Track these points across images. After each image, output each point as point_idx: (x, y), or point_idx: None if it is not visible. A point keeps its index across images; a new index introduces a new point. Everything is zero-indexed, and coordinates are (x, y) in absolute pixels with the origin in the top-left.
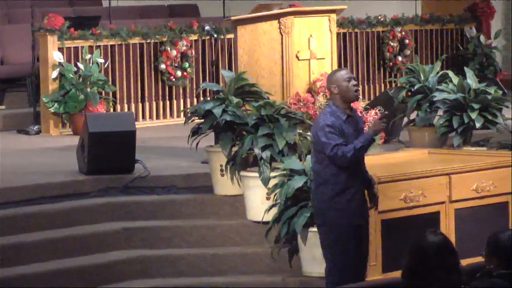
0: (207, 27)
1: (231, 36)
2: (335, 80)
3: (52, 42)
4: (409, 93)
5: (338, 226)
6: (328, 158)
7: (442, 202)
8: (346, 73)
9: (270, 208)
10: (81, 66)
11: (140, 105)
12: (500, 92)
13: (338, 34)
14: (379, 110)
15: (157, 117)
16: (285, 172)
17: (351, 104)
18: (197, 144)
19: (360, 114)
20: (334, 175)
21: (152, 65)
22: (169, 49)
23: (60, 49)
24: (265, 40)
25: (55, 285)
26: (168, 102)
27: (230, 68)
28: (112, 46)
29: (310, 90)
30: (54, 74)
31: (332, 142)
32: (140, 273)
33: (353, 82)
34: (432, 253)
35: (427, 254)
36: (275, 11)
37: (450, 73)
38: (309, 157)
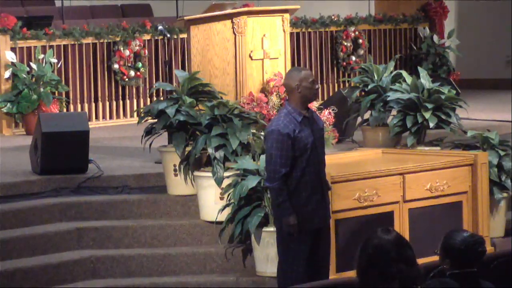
0: (160, 27)
1: (184, 36)
2: (300, 79)
3: (5, 42)
4: (363, 93)
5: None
6: (266, 174)
7: (396, 202)
8: (311, 74)
9: (224, 208)
10: (34, 66)
11: (93, 105)
12: (454, 91)
13: (291, 34)
14: (332, 110)
15: (111, 117)
16: (238, 172)
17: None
18: (150, 144)
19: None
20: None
21: (105, 65)
22: (122, 49)
23: (13, 49)
24: (218, 40)
25: (6, 286)
26: (121, 102)
27: (183, 68)
28: (65, 46)
29: (263, 90)
30: (7, 74)
31: (278, 169)
32: (91, 273)
33: (316, 84)
34: (384, 250)
35: (384, 250)
36: (228, 11)
37: (404, 73)
38: (262, 156)
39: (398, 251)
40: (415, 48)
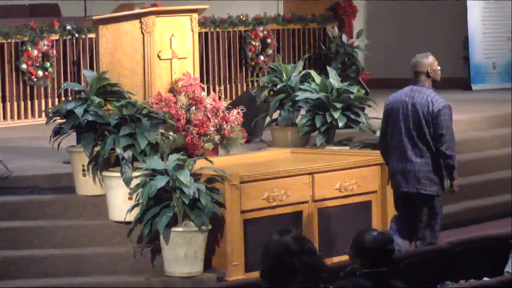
0: (68, 27)
1: (93, 35)
2: (429, 64)
3: None
4: (272, 93)
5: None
6: (440, 140)
7: (305, 202)
8: (434, 58)
9: (133, 208)
10: None
11: (1, 105)
12: (363, 91)
13: (200, 33)
14: (241, 110)
15: (19, 117)
16: (147, 172)
17: None
18: (59, 144)
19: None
20: None
21: (13, 65)
22: (30, 48)
23: None
24: (127, 40)
25: None
26: (29, 102)
27: (92, 68)
28: None
29: (172, 90)
30: None
31: (454, 139)
32: (3, 274)
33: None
34: (290, 244)
35: (286, 247)
36: (137, 10)
37: (313, 73)
38: (171, 156)
39: (299, 244)
40: (324, 47)
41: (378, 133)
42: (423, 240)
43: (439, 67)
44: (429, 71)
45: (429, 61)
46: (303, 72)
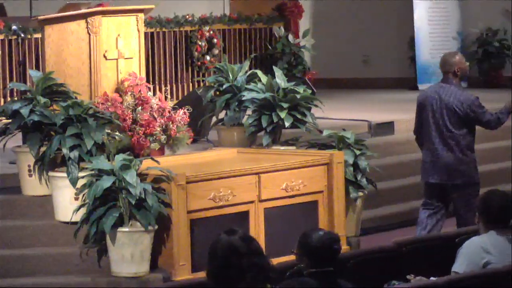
0: (14, 27)
1: (38, 35)
2: (456, 63)
3: None
4: (218, 93)
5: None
6: (485, 123)
7: (252, 202)
8: (462, 56)
9: (79, 208)
10: None
11: None
12: (309, 91)
13: (146, 33)
14: (187, 110)
15: None
16: (93, 172)
17: None
18: (5, 144)
19: None
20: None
21: None
22: None
23: None
24: (72, 40)
25: None
26: None
27: (37, 68)
28: None
29: (118, 90)
30: None
31: (486, 110)
32: None
33: (466, 62)
34: (227, 252)
35: (233, 248)
36: (83, 10)
37: (259, 73)
38: (117, 156)
39: (246, 244)
40: (270, 47)
41: (325, 133)
42: (464, 225)
43: (467, 64)
44: (456, 70)
45: (456, 59)
46: (249, 72)
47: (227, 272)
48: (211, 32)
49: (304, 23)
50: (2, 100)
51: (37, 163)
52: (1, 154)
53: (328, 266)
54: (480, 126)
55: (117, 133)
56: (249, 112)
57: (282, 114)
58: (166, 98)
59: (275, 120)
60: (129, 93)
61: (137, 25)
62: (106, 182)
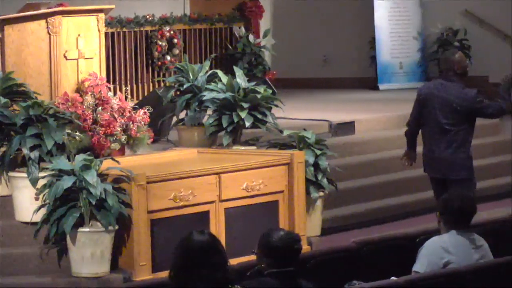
0: None
1: None
2: (457, 62)
3: None
4: (178, 92)
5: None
6: (489, 116)
7: (212, 202)
8: (462, 54)
9: (39, 208)
10: None
11: None
12: (270, 91)
13: (106, 33)
14: (148, 110)
15: None
16: (53, 172)
17: None
18: None
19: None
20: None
21: None
22: None
23: None
24: (32, 40)
25: None
26: None
27: None
28: None
29: (78, 90)
30: None
31: (489, 102)
32: None
33: (467, 61)
34: (197, 252)
35: (192, 253)
36: (43, 10)
37: (219, 72)
38: (77, 156)
39: (205, 256)
40: (230, 47)
41: (285, 133)
42: None
43: (467, 61)
44: (456, 68)
45: (456, 58)
46: (209, 72)
47: (189, 272)
48: (172, 32)
49: (264, 23)
50: None
51: None
52: None
53: (288, 266)
54: (485, 118)
55: (77, 133)
56: (209, 112)
57: (243, 114)
58: (126, 98)
59: (236, 120)
60: (90, 93)
61: (97, 25)
62: (67, 182)
